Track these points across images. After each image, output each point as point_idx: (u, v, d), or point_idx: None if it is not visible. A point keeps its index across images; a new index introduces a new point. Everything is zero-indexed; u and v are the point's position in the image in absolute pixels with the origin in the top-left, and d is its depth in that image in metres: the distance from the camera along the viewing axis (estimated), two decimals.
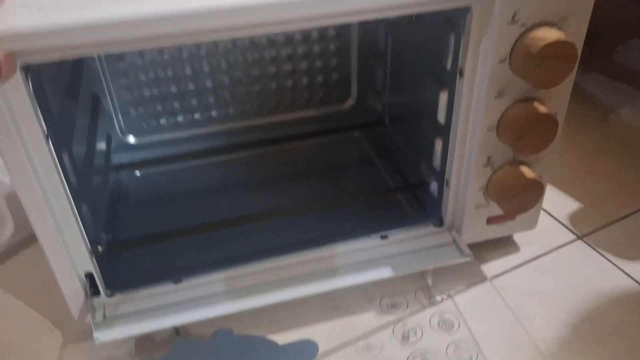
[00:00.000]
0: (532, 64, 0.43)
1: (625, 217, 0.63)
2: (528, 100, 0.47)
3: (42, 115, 0.38)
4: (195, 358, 0.43)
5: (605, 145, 0.75)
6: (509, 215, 0.55)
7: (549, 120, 0.46)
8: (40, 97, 0.38)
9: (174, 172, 0.67)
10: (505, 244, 0.59)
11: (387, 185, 0.63)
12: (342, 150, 0.71)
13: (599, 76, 0.89)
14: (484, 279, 0.55)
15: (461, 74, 0.46)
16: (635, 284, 0.55)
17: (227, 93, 0.68)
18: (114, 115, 0.66)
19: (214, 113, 0.69)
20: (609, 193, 0.67)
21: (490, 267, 0.56)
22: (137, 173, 0.67)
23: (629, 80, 0.87)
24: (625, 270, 0.56)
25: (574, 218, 0.64)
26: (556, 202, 0.66)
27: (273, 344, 0.44)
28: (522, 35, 0.43)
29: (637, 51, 0.89)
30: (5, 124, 0.37)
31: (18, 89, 0.36)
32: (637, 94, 0.86)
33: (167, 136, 0.69)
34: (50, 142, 0.39)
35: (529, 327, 0.50)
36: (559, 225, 0.63)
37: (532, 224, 0.57)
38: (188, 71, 0.66)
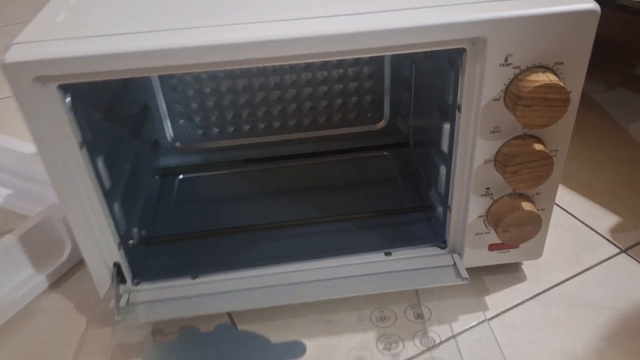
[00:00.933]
0: (521, 105, 0.45)
1: None
2: (525, 137, 0.49)
3: (79, 126, 0.45)
4: (198, 345, 0.49)
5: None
6: (510, 244, 0.56)
7: (544, 159, 0.48)
8: (77, 111, 0.45)
9: (213, 177, 0.74)
10: (546, 260, 0.61)
11: (403, 204, 0.67)
12: (370, 167, 0.74)
13: (624, 91, 0.90)
14: (484, 309, 0.57)
15: (459, 109, 0.49)
16: None
17: (266, 109, 0.74)
18: (163, 124, 0.73)
19: (254, 126, 0.75)
20: None
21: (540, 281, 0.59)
22: (180, 177, 0.74)
23: None
24: None
25: (615, 231, 0.65)
26: (597, 216, 0.67)
27: (266, 341, 0.49)
28: (516, 76, 0.46)
29: None
30: (45, 134, 0.44)
31: (55, 105, 0.43)
32: None
33: (210, 145, 0.76)
34: (85, 150, 0.46)
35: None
36: (600, 238, 0.64)
37: (537, 254, 0.58)
38: (233, 88, 0.72)
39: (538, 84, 0.44)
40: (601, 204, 0.69)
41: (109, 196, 0.51)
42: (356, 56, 0.44)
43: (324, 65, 0.72)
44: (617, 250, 0.62)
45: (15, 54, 0.40)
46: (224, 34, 0.42)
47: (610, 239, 0.64)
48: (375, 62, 0.72)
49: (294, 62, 0.44)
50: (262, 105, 0.74)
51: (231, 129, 0.75)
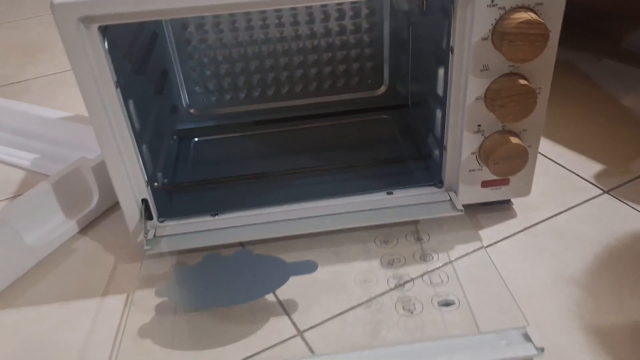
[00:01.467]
0: (506, 40, 0.51)
1: None
2: (511, 74, 0.55)
3: (114, 67, 0.51)
4: (220, 268, 0.54)
5: (624, 115, 0.82)
6: (502, 180, 0.62)
7: (528, 92, 0.54)
8: (114, 54, 0.51)
9: (226, 140, 0.79)
10: (534, 202, 0.67)
11: (403, 156, 0.72)
12: (372, 129, 0.80)
13: (611, 62, 0.98)
14: (477, 239, 0.62)
15: (452, 51, 0.55)
16: None
17: (275, 75, 0.80)
18: (179, 90, 0.79)
19: (263, 92, 0.81)
20: (631, 155, 0.74)
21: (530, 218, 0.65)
22: (196, 139, 0.80)
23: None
24: None
25: (599, 176, 0.71)
26: (583, 165, 0.73)
27: (281, 261, 0.54)
28: (501, 16, 0.52)
29: None
30: (86, 72, 0.50)
31: (95, 45, 0.49)
32: None
33: (222, 110, 0.81)
34: (119, 89, 0.52)
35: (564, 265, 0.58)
36: (585, 182, 0.70)
37: (526, 190, 0.63)
38: (244, 55, 0.78)
39: (521, 20, 0.50)
40: (586, 154, 0.75)
41: (138, 137, 0.56)
42: None
43: (329, 32, 0.78)
44: (600, 192, 0.68)
45: None
46: None
47: (595, 182, 0.70)
48: (376, 29, 0.78)
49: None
50: (270, 71, 0.80)
51: (242, 95, 0.81)
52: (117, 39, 0.54)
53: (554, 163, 0.74)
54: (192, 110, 0.81)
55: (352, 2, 0.76)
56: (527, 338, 0.45)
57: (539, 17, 0.51)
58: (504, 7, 0.51)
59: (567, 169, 0.73)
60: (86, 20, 0.48)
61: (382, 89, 0.83)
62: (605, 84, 0.92)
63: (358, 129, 0.80)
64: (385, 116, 0.82)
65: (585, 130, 0.80)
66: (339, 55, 0.80)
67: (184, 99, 0.80)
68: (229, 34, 0.76)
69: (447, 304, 0.51)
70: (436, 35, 0.60)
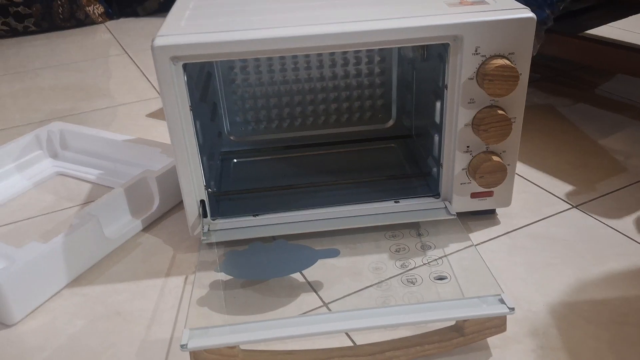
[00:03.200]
0: (487, 80, 0.67)
1: (611, 192, 0.86)
2: (492, 106, 0.71)
3: (189, 96, 0.68)
4: (262, 253, 0.69)
5: (595, 149, 0.98)
6: (487, 192, 0.77)
7: (505, 120, 0.70)
8: (189, 85, 0.68)
9: (260, 161, 0.95)
10: (515, 212, 0.82)
11: (407, 173, 0.88)
12: (381, 155, 0.96)
13: (586, 105, 1.15)
14: (467, 240, 0.77)
15: (446, 88, 0.71)
16: (619, 233, 0.76)
17: (301, 109, 0.97)
18: (223, 120, 0.96)
19: (291, 123, 0.97)
20: (597, 179, 0.89)
21: (510, 224, 0.79)
22: (235, 160, 0.95)
23: (612, 109, 1.11)
24: (612, 225, 0.78)
25: (570, 194, 0.86)
26: (557, 185, 0.88)
27: (311, 248, 0.69)
28: (483, 62, 0.68)
29: (621, 84, 1.13)
30: (172, 97, 0.66)
31: (179, 78, 0.65)
32: (618, 118, 1.06)
33: (257, 137, 0.98)
34: (192, 111, 0.68)
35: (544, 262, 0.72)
36: (558, 199, 0.85)
37: (507, 201, 0.78)
38: (278, 92, 0.95)
39: (497, 65, 0.66)
40: (560, 177, 0.90)
41: (201, 150, 0.72)
42: (379, 47, 0.67)
43: (346, 75, 0.95)
44: (570, 206, 0.83)
45: (159, 41, 0.63)
46: (291, 30, 0.65)
47: (565, 199, 0.85)
48: (386, 74, 0.95)
49: (336, 50, 0.66)
50: (298, 106, 0.96)
51: (274, 125, 0.98)
52: (192, 74, 0.71)
53: (532, 184, 0.89)
54: (232, 137, 0.98)
55: (367, 50, 0.93)
56: (502, 301, 0.59)
57: (512, 63, 0.67)
58: (485, 55, 0.68)
59: (543, 188, 0.88)
60: (175, 59, 0.64)
61: (391, 123, 1.00)
62: (581, 124, 1.08)
63: (369, 155, 0.96)
64: (393, 145, 0.97)
65: (561, 160, 0.95)
66: (355, 94, 0.97)
67: (226, 127, 0.97)
68: (266, 74, 0.93)
69: (440, 278, 0.66)
70: (434, 76, 0.77)
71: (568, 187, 0.88)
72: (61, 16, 1.86)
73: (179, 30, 0.66)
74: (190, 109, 0.68)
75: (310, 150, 0.97)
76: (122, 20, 2.00)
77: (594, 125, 1.07)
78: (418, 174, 0.87)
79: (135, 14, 2.03)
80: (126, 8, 2.01)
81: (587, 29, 1.15)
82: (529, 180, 0.90)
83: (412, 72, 0.90)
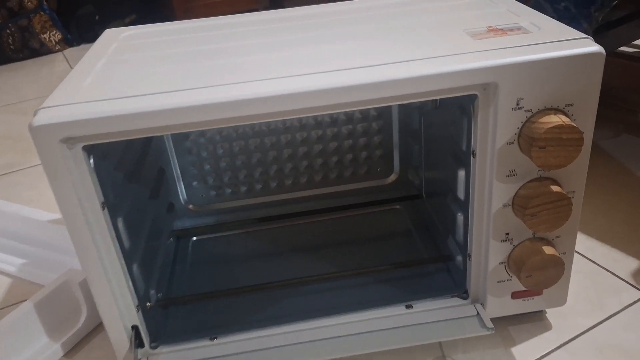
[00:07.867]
0: (536, 147, 0.45)
1: None
2: (541, 179, 0.50)
3: (101, 186, 0.46)
4: None
5: None
6: (533, 290, 0.56)
7: (562, 199, 0.48)
8: (100, 172, 0.46)
9: (226, 238, 0.73)
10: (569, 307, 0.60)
11: (420, 256, 0.66)
12: (384, 220, 0.74)
13: (629, 137, 0.93)
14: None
15: (474, 155, 0.49)
16: None
17: (278, 167, 0.75)
18: (177, 186, 0.74)
19: (266, 185, 0.76)
20: None
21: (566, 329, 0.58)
22: (194, 238, 0.74)
23: None
24: None
25: (637, 274, 0.64)
26: (617, 260, 0.67)
27: None
28: (528, 119, 0.47)
29: None
30: (69, 194, 0.44)
31: (80, 165, 0.44)
32: None
33: (223, 205, 0.76)
34: (106, 210, 0.47)
35: None
36: (623, 282, 0.64)
37: (561, 300, 0.57)
38: (245, 148, 0.73)
39: (551, 125, 0.45)
40: (619, 247, 0.69)
41: (128, 256, 0.51)
42: (377, 105, 0.45)
43: (334, 122, 0.73)
44: None
45: (42, 117, 0.42)
46: (236, 91, 0.43)
47: (633, 282, 0.63)
48: (384, 117, 0.74)
49: (310, 114, 0.45)
50: (274, 163, 0.75)
51: (243, 188, 0.76)
52: (108, 152, 0.49)
53: (585, 259, 0.68)
54: (190, 207, 0.76)
55: None
56: None
57: (571, 120, 0.46)
58: (530, 110, 0.46)
59: (600, 265, 0.66)
60: (69, 141, 0.43)
61: (393, 177, 0.78)
62: (627, 160, 0.86)
63: (369, 222, 0.74)
64: (397, 206, 0.76)
65: (614, 220, 0.74)
66: (346, 145, 0.75)
67: (182, 195, 0.75)
68: (229, 127, 0.72)
69: None
70: (453, 134, 0.55)
71: (631, 262, 0.66)
72: (12, 47, 1.65)
73: (78, 95, 0.45)
74: (104, 207, 0.47)
75: (292, 220, 0.75)
76: (82, 46, 1.78)
77: None
78: (435, 256, 0.65)
79: None
80: (87, 32, 1.79)
81: (628, 42, 0.94)
82: (579, 253, 0.69)
83: (420, 118, 0.69)
